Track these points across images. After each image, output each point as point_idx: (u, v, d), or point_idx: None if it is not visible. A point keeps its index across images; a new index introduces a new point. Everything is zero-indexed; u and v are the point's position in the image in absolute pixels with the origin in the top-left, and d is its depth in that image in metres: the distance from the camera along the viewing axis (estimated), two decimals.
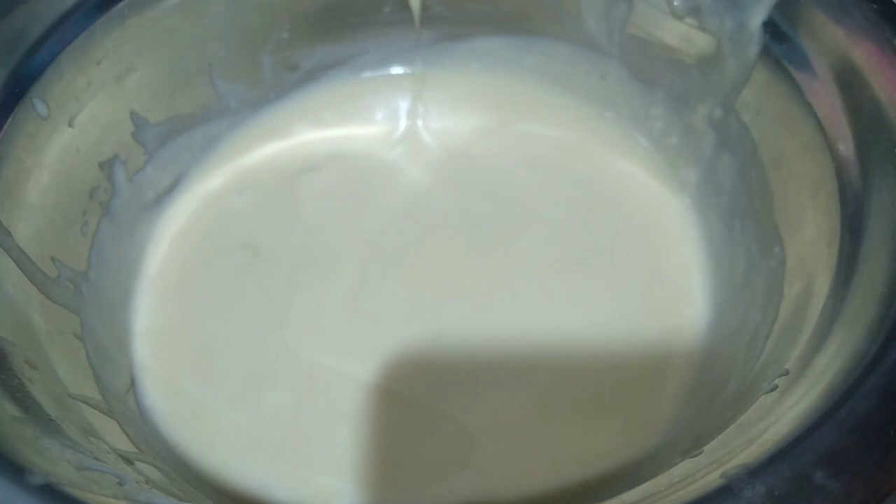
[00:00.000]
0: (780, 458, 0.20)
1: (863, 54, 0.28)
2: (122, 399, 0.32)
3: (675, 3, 0.34)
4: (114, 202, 0.35)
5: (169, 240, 0.37)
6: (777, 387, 0.24)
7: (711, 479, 0.20)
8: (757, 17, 0.31)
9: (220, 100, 0.39)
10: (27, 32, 0.30)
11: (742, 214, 0.34)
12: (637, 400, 0.32)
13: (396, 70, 0.41)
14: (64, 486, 0.19)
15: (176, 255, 0.37)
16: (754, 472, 0.20)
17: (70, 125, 0.32)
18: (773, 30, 0.31)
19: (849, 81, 0.28)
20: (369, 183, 0.39)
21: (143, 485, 0.24)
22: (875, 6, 0.28)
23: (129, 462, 0.26)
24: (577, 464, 0.31)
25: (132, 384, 0.33)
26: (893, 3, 0.28)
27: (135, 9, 0.33)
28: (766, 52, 0.31)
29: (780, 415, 0.22)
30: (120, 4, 0.33)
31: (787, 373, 0.25)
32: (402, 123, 0.40)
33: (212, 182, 0.39)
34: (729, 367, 0.31)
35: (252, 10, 0.37)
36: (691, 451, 0.24)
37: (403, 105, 0.41)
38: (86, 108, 0.33)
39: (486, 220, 0.37)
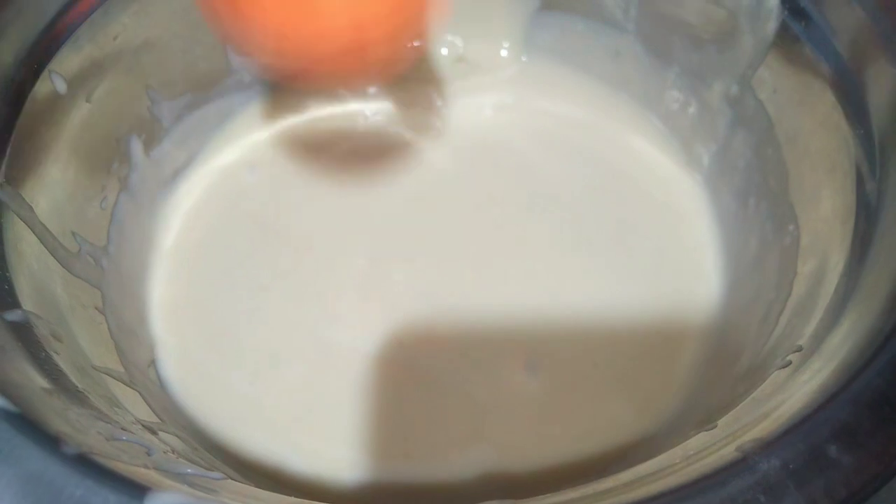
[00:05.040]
0: (795, 432, 0.20)
1: (882, 32, 0.28)
2: (144, 371, 0.32)
3: None
4: (132, 177, 0.35)
5: (183, 215, 0.38)
6: (791, 362, 0.25)
7: (727, 452, 0.20)
8: None
9: (233, 74, 0.39)
10: (44, 7, 0.30)
11: (756, 192, 0.34)
12: (649, 375, 0.33)
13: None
14: (96, 456, 0.20)
15: (190, 230, 0.37)
16: (769, 446, 0.20)
17: (88, 101, 0.32)
18: (792, 6, 0.31)
19: (867, 59, 0.28)
20: (382, 160, 0.39)
21: (169, 454, 0.24)
22: None
23: (153, 432, 0.27)
24: (590, 436, 0.31)
25: (153, 357, 0.34)
26: None
27: None
28: (784, 28, 0.31)
29: (794, 390, 0.22)
30: None
31: (800, 349, 0.25)
32: (417, 100, 0.40)
33: (226, 157, 0.39)
34: (741, 342, 0.31)
35: None
36: (704, 424, 0.25)
37: (419, 82, 0.40)
38: (103, 84, 0.33)
39: (500, 198, 0.37)
